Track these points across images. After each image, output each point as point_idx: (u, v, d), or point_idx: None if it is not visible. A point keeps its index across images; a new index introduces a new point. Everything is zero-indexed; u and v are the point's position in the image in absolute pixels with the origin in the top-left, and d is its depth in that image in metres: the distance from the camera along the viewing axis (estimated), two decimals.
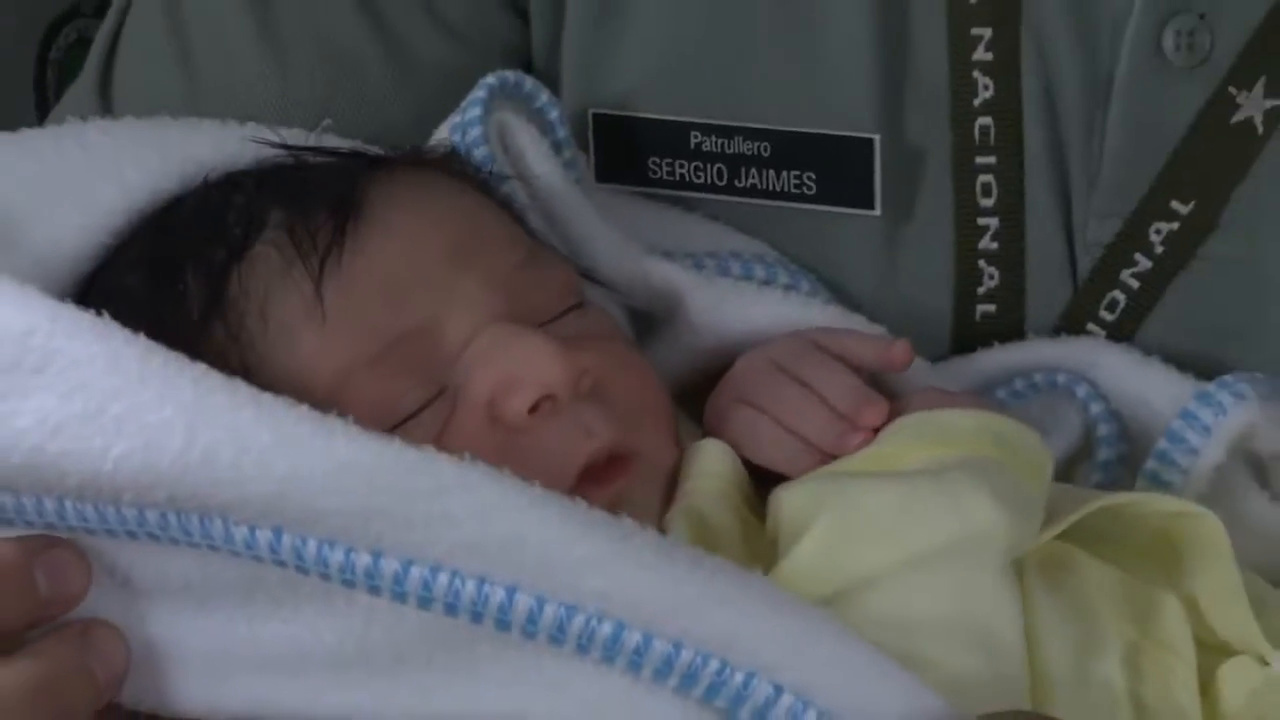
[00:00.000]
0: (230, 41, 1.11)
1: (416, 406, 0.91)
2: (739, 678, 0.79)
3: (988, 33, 1.04)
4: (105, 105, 1.14)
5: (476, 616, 0.79)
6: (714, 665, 0.79)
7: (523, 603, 0.78)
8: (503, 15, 1.12)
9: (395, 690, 0.82)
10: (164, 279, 0.94)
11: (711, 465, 0.94)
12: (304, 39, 1.11)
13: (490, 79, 1.03)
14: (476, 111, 1.02)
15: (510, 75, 1.04)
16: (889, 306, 1.07)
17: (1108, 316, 1.06)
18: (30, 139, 0.99)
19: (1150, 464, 0.99)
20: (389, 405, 0.90)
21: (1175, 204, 1.03)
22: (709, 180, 1.08)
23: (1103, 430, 1.03)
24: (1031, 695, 0.87)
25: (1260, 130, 1.02)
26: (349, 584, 0.80)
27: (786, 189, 1.07)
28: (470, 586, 0.78)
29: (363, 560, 0.79)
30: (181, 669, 0.85)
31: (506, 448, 0.89)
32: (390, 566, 0.79)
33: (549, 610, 0.78)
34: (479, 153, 1.02)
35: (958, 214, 1.06)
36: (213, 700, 0.85)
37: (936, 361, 1.06)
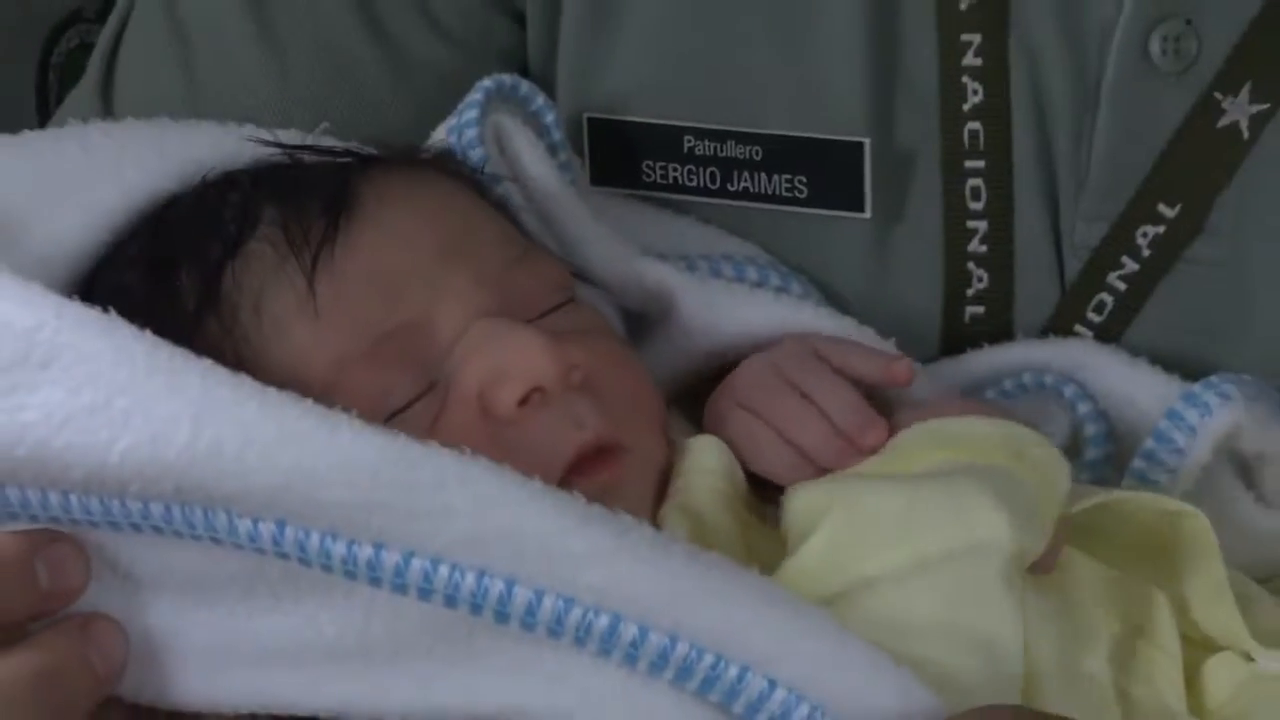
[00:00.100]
0: (230, 45, 1.12)
1: (408, 400, 0.91)
2: (733, 671, 0.79)
3: (977, 39, 1.04)
4: (107, 107, 1.15)
5: (476, 609, 0.79)
6: (709, 659, 0.79)
7: (521, 595, 0.79)
8: (499, 19, 1.12)
9: (394, 682, 0.82)
10: (160, 275, 0.94)
11: (707, 462, 0.95)
12: (303, 41, 1.11)
13: (487, 82, 1.04)
14: (473, 114, 1.03)
15: (507, 78, 1.05)
16: (879, 308, 1.07)
17: (1095, 318, 1.07)
18: (32, 140, 1.00)
19: (1137, 463, 1.00)
20: (381, 399, 0.91)
21: (1162, 207, 1.04)
22: (702, 183, 1.08)
23: (1090, 430, 1.04)
24: (1020, 690, 0.87)
25: (1246, 135, 1.03)
26: (350, 576, 0.80)
27: (778, 192, 1.07)
28: (470, 579, 0.79)
29: (365, 552, 0.79)
30: (182, 661, 0.85)
31: (497, 440, 0.90)
32: (392, 559, 0.79)
33: (547, 602, 0.79)
34: (475, 154, 1.02)
35: (947, 217, 1.06)
36: (212, 692, 0.85)
37: (926, 363, 1.06)
